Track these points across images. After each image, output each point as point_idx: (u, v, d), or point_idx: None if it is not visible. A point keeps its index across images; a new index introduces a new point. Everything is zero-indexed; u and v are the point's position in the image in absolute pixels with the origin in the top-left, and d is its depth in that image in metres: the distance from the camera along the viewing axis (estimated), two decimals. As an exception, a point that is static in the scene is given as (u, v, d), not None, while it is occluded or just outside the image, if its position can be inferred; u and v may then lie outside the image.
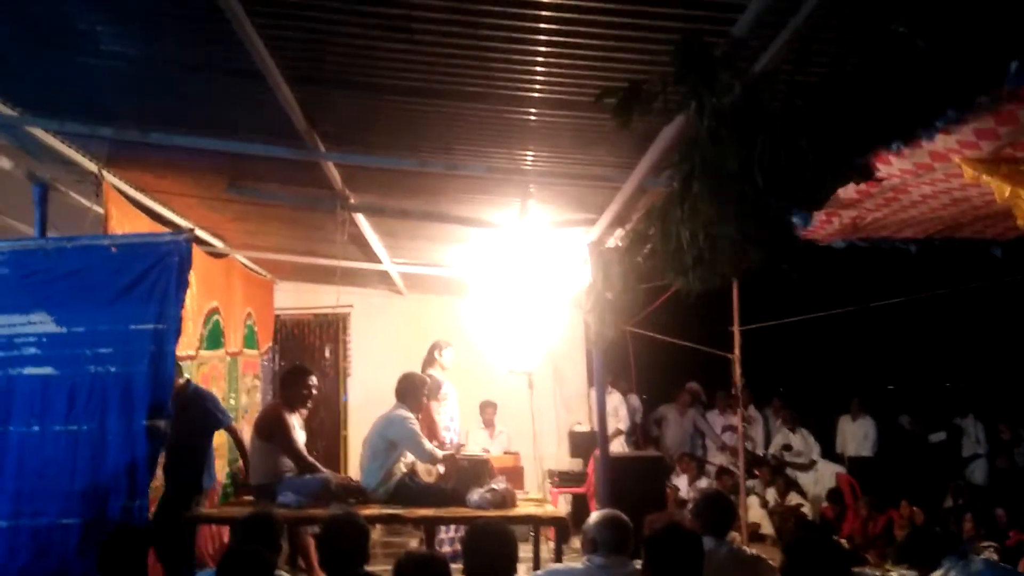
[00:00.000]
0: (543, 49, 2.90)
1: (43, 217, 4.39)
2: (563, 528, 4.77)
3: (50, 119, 3.87)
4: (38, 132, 3.95)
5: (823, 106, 1.85)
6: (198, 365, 5.32)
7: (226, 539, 5.12)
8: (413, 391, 5.19)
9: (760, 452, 8.78)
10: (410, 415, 5.06)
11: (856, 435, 9.04)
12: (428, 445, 5.04)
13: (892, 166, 2.71)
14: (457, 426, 6.25)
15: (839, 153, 1.91)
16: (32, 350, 3.83)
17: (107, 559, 3.13)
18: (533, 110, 3.44)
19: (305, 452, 4.99)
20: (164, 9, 2.87)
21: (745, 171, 1.80)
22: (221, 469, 5.62)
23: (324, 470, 5.04)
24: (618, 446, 7.71)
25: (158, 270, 3.85)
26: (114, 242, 4.03)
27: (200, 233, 5.58)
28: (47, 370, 3.82)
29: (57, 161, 4.29)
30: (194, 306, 5.20)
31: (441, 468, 5.12)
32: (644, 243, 3.08)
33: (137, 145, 4.05)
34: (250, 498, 5.04)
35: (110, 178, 4.52)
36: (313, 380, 5.18)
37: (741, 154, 1.82)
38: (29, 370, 3.83)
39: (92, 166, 4.38)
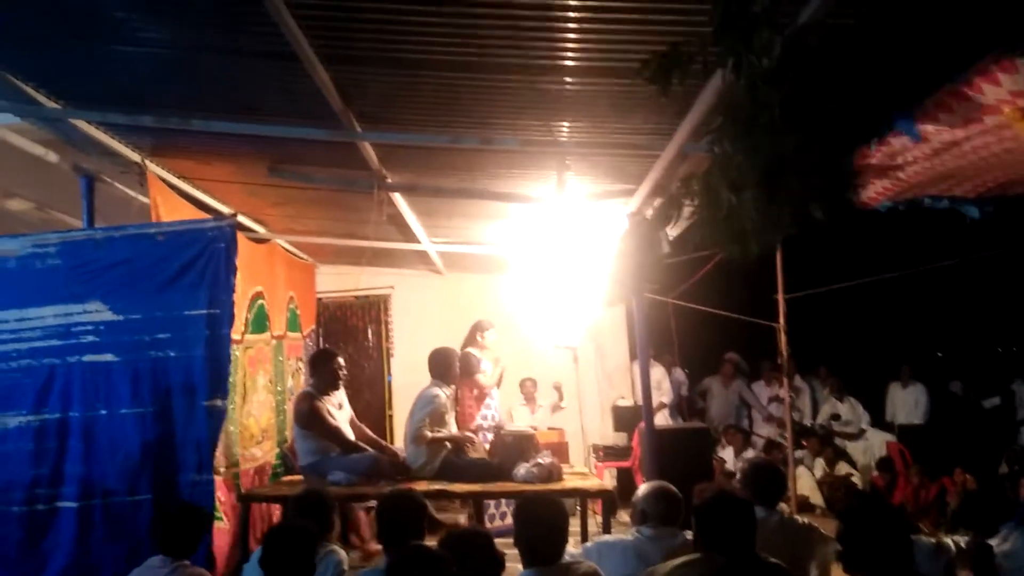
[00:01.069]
0: (576, 15, 2.86)
1: (90, 208, 4.51)
2: (610, 501, 4.78)
3: (92, 110, 3.95)
4: (82, 124, 4.05)
5: (866, 52, 1.79)
6: (244, 349, 5.42)
7: (275, 519, 5.24)
8: (444, 365, 5.25)
9: (807, 422, 8.66)
10: (438, 392, 5.10)
11: (907, 403, 8.88)
12: (421, 425, 4.97)
13: (939, 121, 2.62)
14: (498, 403, 6.27)
15: (882, 102, 1.84)
16: (90, 338, 3.98)
17: (170, 537, 3.23)
18: (568, 79, 3.40)
19: (343, 434, 4.98)
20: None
21: (790, 124, 1.75)
22: (270, 450, 5.72)
23: (367, 448, 5.09)
24: (662, 419, 7.68)
25: (206, 257, 4.00)
26: (160, 230, 4.14)
27: (242, 219, 5.66)
28: (107, 356, 3.97)
29: (102, 153, 4.39)
30: (239, 291, 5.29)
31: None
32: (679, 210, 3.02)
33: (178, 133, 4.12)
34: (299, 477, 5.13)
35: (153, 167, 4.60)
36: (340, 362, 5.18)
37: (783, 108, 1.77)
38: (89, 357, 3.97)
39: (136, 156, 4.47)
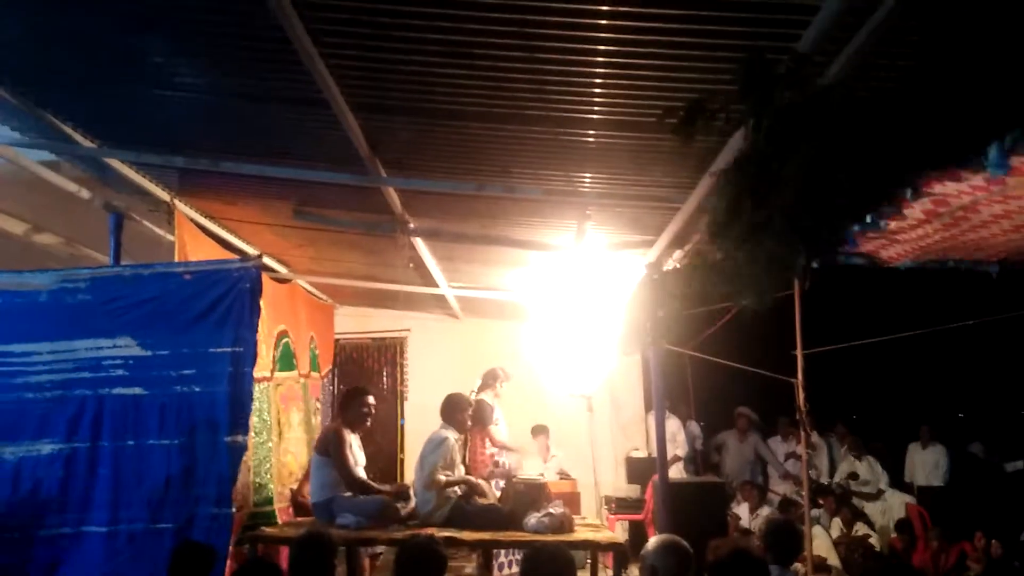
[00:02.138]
0: (601, 71, 2.93)
1: (118, 245, 4.60)
2: (622, 554, 4.69)
3: (127, 150, 4.06)
4: (115, 163, 4.16)
5: (886, 120, 1.82)
6: (275, 386, 5.48)
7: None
8: (456, 411, 5.23)
9: (824, 481, 8.51)
10: (448, 435, 5.08)
11: (927, 463, 8.72)
12: (434, 469, 4.91)
13: (962, 183, 2.64)
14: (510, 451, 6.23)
15: (899, 168, 1.87)
16: (120, 371, 4.10)
17: (176, 573, 3.21)
18: (591, 132, 3.47)
19: (355, 471, 4.97)
20: (235, 41, 3.00)
21: (798, 182, 1.78)
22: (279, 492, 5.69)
23: (376, 486, 5.05)
24: (676, 472, 7.58)
25: (231, 296, 4.11)
26: (187, 269, 4.25)
27: (266, 259, 5.74)
28: (136, 390, 4.08)
29: (132, 191, 4.50)
30: (264, 329, 5.35)
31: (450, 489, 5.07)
32: (698, 262, 3.05)
33: (207, 174, 4.22)
34: (307, 519, 5.10)
35: (182, 207, 4.70)
36: (371, 400, 5.25)
37: (796, 164, 1.81)
38: (119, 390, 4.08)
39: (165, 195, 4.57)
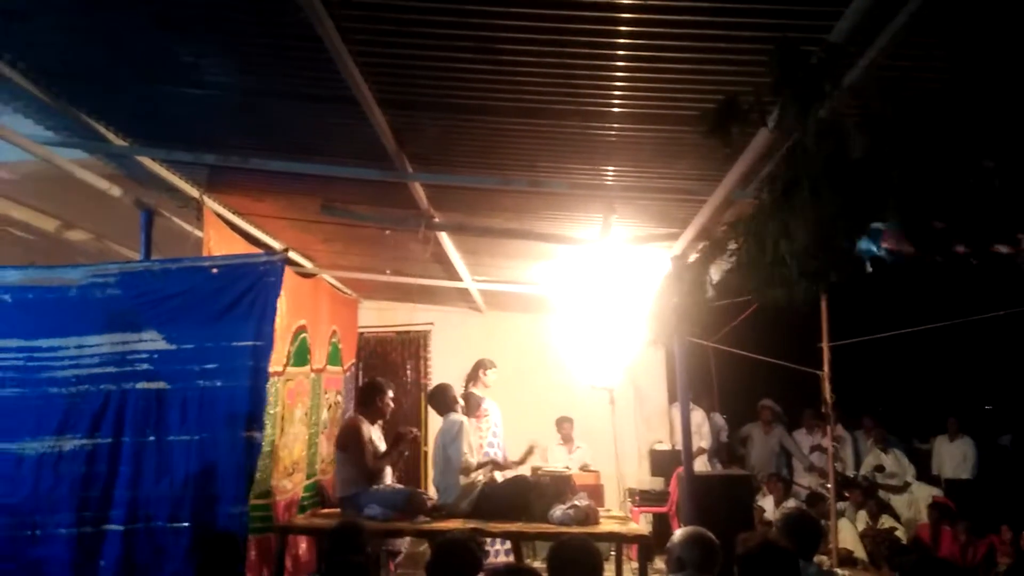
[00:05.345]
0: (625, 64, 2.93)
1: (148, 241, 4.67)
2: (647, 546, 4.71)
3: (158, 148, 4.12)
4: (146, 161, 4.22)
5: (937, 111, 1.79)
6: (285, 381, 5.51)
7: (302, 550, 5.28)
8: (447, 400, 5.33)
9: (850, 473, 8.46)
10: (462, 419, 5.17)
11: (954, 456, 8.62)
12: (463, 454, 5.02)
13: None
14: (501, 442, 6.23)
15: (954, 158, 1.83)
16: (145, 366, 4.10)
17: (206, 565, 3.28)
18: (616, 125, 3.47)
19: (371, 462, 5.00)
20: (265, 40, 3.03)
21: (864, 174, 1.77)
22: (300, 483, 5.75)
23: (386, 450, 5.10)
24: (700, 465, 7.57)
25: (256, 290, 4.11)
26: (215, 263, 4.26)
27: (291, 254, 5.80)
28: (160, 384, 4.08)
29: (162, 188, 4.56)
30: (283, 324, 5.40)
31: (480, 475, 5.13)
32: (722, 254, 3.03)
33: (235, 171, 4.27)
34: (334, 510, 5.16)
35: (210, 203, 4.76)
36: (389, 394, 5.30)
37: (852, 159, 1.79)
38: (142, 384, 4.08)
39: (194, 192, 4.63)
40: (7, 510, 3.96)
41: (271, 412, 5.27)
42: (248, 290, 4.12)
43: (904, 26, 1.95)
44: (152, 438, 4.03)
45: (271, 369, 4.98)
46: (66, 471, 4.00)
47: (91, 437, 4.04)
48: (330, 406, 6.85)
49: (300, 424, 5.85)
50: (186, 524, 3.92)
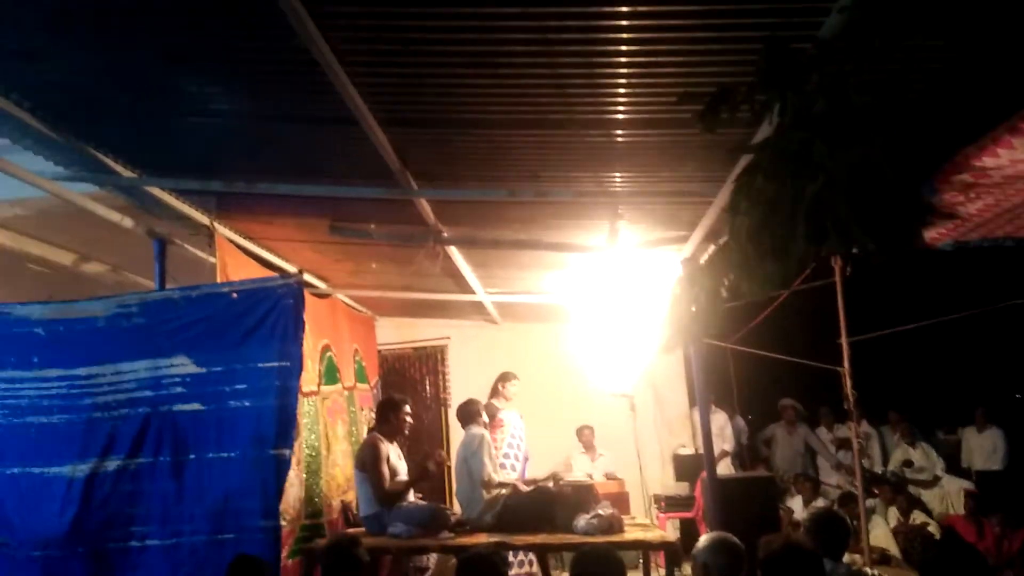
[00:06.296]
0: (623, 70, 2.93)
1: (162, 270, 4.74)
2: (674, 553, 4.67)
3: (166, 178, 4.17)
4: (155, 191, 4.27)
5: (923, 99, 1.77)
6: (322, 399, 5.58)
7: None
8: (473, 412, 5.42)
9: (878, 470, 8.35)
10: (483, 432, 5.21)
11: (984, 448, 8.49)
12: (485, 468, 5.07)
13: (1001, 158, 2.58)
14: (520, 453, 6.23)
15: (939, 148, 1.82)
16: (179, 389, 4.24)
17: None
18: (618, 131, 3.47)
19: (385, 486, 4.97)
20: (266, 67, 3.07)
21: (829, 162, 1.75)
22: (353, 500, 5.76)
23: (406, 481, 5.12)
24: (724, 468, 7.51)
25: (276, 312, 4.22)
26: (234, 289, 4.37)
27: (306, 275, 5.83)
28: (195, 406, 4.21)
29: (173, 217, 4.61)
30: (309, 344, 5.46)
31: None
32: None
33: (244, 196, 4.32)
34: (360, 529, 5.17)
35: (221, 229, 4.81)
36: (406, 409, 5.31)
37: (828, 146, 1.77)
38: (179, 407, 4.23)
39: (205, 219, 4.68)
40: (59, 529, 4.08)
41: (316, 431, 5.36)
42: (269, 312, 4.24)
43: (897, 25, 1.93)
44: (192, 456, 4.18)
45: (306, 388, 5.09)
46: (112, 490, 4.14)
47: (133, 457, 4.18)
48: (367, 422, 6.90)
49: (345, 441, 5.93)
50: (230, 536, 4.05)
